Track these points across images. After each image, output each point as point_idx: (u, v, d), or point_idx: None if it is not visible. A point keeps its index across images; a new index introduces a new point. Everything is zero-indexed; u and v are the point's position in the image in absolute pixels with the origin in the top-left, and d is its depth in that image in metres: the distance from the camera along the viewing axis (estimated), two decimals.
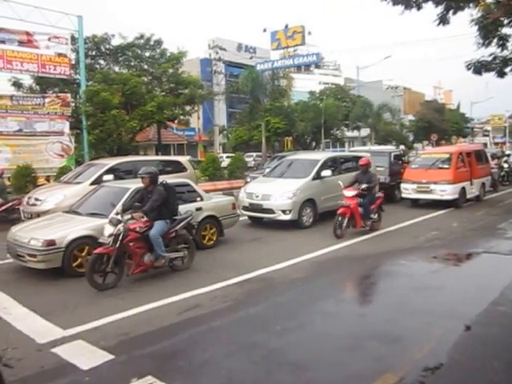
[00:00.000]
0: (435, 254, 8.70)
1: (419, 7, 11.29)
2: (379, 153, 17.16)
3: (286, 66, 36.08)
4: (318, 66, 68.50)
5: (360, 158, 14.27)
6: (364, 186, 10.33)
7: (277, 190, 11.36)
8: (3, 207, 12.55)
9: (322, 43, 67.34)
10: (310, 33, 37.58)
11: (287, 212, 11.06)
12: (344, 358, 4.61)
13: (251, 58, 43.38)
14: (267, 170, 14.36)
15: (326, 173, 12.05)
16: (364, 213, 10.33)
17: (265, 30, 37.96)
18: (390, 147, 26.62)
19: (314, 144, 39.21)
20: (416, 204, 15.06)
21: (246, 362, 4.57)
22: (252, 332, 5.30)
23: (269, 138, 33.16)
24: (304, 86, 45.02)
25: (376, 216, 10.83)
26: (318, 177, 11.95)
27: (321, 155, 13.61)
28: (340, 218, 10.08)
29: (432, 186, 14.25)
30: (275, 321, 5.57)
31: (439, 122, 52.97)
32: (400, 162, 17.15)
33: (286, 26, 37.01)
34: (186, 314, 5.79)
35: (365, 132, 47.88)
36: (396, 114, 49.25)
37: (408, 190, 14.80)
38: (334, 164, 12.90)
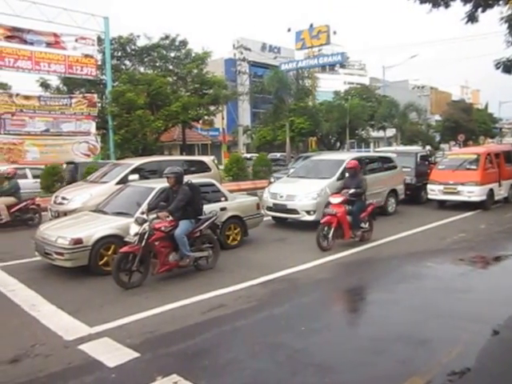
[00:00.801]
0: (462, 256, 8.53)
1: (447, 5, 11.12)
2: (405, 153, 16.95)
3: (310, 66, 35.94)
4: (342, 66, 67.95)
5: (387, 158, 14.15)
6: (352, 191, 9.28)
7: (301, 191, 11.31)
8: (17, 207, 12.81)
9: (348, 43, 66.86)
10: (335, 32, 37.35)
11: (311, 212, 10.99)
12: (369, 360, 4.55)
13: (275, 57, 43.41)
14: (291, 171, 14.31)
15: None
16: (353, 222, 9.31)
17: (289, 30, 37.87)
18: (416, 147, 26.25)
19: (338, 144, 38.94)
20: (442, 205, 14.82)
21: (270, 362, 4.55)
22: (276, 332, 5.27)
23: (293, 139, 33.05)
24: (329, 86, 44.75)
25: (367, 225, 9.75)
26: (343, 177, 11.81)
27: (346, 155, 13.49)
28: (325, 228, 9.01)
29: (459, 188, 13.99)
30: (300, 321, 5.54)
31: (466, 122, 51.98)
32: (426, 162, 16.89)
33: (311, 26, 36.84)
34: (210, 314, 5.80)
35: (390, 132, 47.31)
36: (422, 114, 48.52)
37: (434, 191, 14.56)
38: (359, 164, 12.74)
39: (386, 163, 13.89)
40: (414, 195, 15.33)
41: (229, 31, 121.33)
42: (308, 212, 11.01)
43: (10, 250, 9.72)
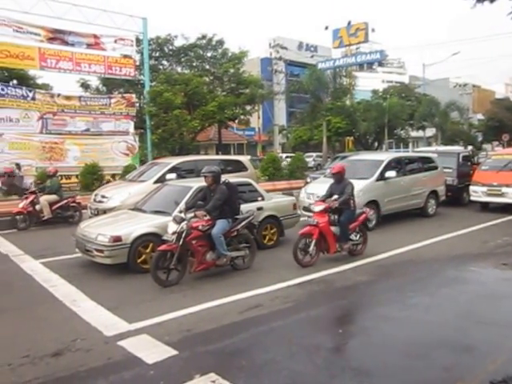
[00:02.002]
0: (506, 260, 8.22)
1: (492, 0, 10.73)
2: (447, 153, 16.49)
3: (348, 65, 35.48)
4: (381, 64, 66.54)
5: (427, 158, 13.81)
6: (335, 197, 8.22)
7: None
8: (58, 204, 13.15)
9: (386, 40, 65.41)
10: (373, 30, 36.75)
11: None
12: (410, 366, 4.42)
13: (312, 56, 43.08)
14: (328, 171, 14.14)
15: (391, 174, 11.69)
16: (341, 233, 8.21)
17: (327, 28, 37.52)
18: (457, 148, 25.55)
19: (376, 144, 38.27)
20: (486, 208, 14.33)
21: (308, 364, 4.48)
22: (314, 334, 5.21)
23: (329, 138, 32.70)
24: (366, 85, 44.11)
25: (358, 237, 8.62)
26: (381, 178, 11.63)
27: (385, 155, 13.25)
28: (306, 241, 7.94)
29: (504, 189, 13.50)
30: (337, 324, 5.47)
31: (511, 122, 50.17)
32: (469, 163, 16.39)
33: (349, 23, 36.38)
34: (247, 314, 5.78)
35: (430, 132, 46.16)
36: (464, 113, 47.08)
37: (477, 193, 14.10)
38: (398, 165, 12.51)
39: (426, 163, 13.56)
40: (456, 197, 14.89)
41: (265, 30, 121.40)
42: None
43: (52, 247, 10.00)
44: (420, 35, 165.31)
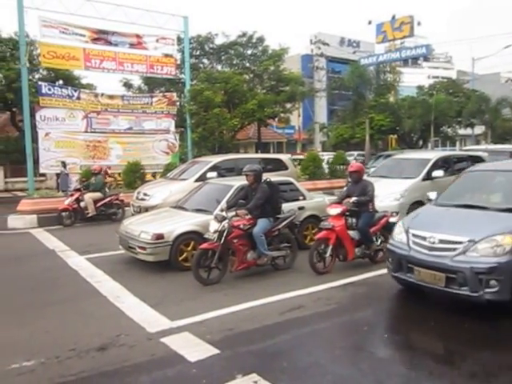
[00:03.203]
0: None
1: None
2: (499, 152, 15.73)
3: (392, 60, 34.56)
4: (426, 59, 64.83)
5: (477, 157, 13.26)
6: (354, 199, 7.63)
7: (383, 191, 10.81)
8: (102, 202, 13.44)
9: (433, 34, 63.29)
10: (419, 23, 35.57)
11: (394, 214, 10.55)
12: None
13: (354, 52, 42.30)
14: (372, 170, 13.88)
15: (438, 173, 11.23)
16: (363, 238, 7.74)
17: (370, 23, 36.68)
18: (509, 146, 24.49)
19: (421, 143, 37.25)
20: None
21: (352, 368, 4.39)
22: (358, 338, 5.09)
23: (372, 136, 32.09)
24: (411, 81, 42.91)
25: (380, 243, 8.02)
26: (428, 177, 11.24)
27: (431, 154, 12.83)
28: (322, 246, 7.46)
29: None
30: (382, 328, 5.32)
31: None
32: None
33: (393, 17, 35.44)
34: (288, 314, 5.71)
35: (479, 130, 44.45)
36: None
37: None
38: (446, 164, 12.02)
39: (476, 163, 13.00)
40: None
41: (306, 26, 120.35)
42: (390, 213, 10.54)
43: (96, 243, 10.23)
44: (469, 28, 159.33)
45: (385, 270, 7.51)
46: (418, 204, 10.84)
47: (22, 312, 6.10)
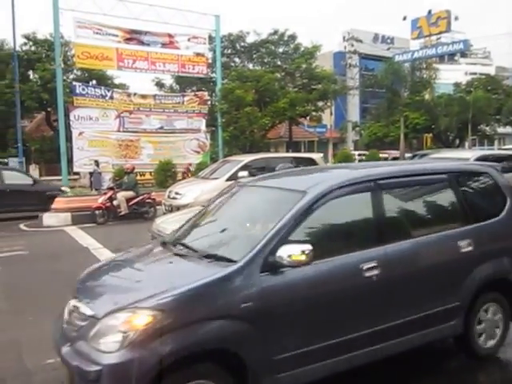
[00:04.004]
0: None
1: None
2: None
3: (427, 57, 33.75)
4: (464, 55, 63.06)
5: None
6: None
7: None
8: (135, 200, 13.50)
9: (471, 29, 61.34)
10: (456, 18, 34.66)
11: None
12: None
13: (388, 49, 41.46)
14: None
15: None
16: None
17: (405, 18, 35.91)
18: None
19: (457, 142, 36.21)
20: None
21: None
22: None
23: (406, 135, 31.42)
24: (448, 78, 41.75)
25: None
26: None
27: (470, 153, 12.37)
28: None
29: None
30: None
31: None
32: None
33: (429, 12, 34.64)
34: None
35: None
36: None
37: None
38: None
39: None
40: None
41: (338, 23, 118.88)
42: None
43: (128, 241, 10.17)
44: (509, 22, 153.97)
45: None
46: None
47: (57, 308, 6.08)
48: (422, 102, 32.34)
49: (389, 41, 50.51)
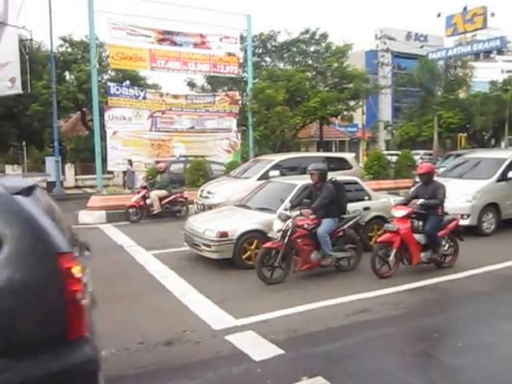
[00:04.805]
0: None
1: None
2: None
3: (462, 54, 32.93)
4: (500, 52, 61.25)
5: None
6: (421, 201, 7.25)
7: (454, 192, 10.25)
8: (168, 199, 13.75)
9: (508, 25, 59.32)
10: (493, 14, 33.53)
11: (465, 216, 10.02)
12: None
13: (422, 46, 40.69)
14: (442, 170, 13.31)
15: None
16: (430, 242, 7.31)
17: (439, 15, 35.10)
18: None
19: (493, 141, 35.28)
20: None
21: (423, 377, 4.20)
22: (429, 345, 4.88)
23: (440, 135, 30.82)
24: (483, 76, 40.72)
25: (447, 247, 7.65)
26: (503, 178, 10.62)
27: (507, 153, 12.12)
28: (384, 250, 7.20)
29: None
30: (454, 336, 5.07)
31: None
32: None
33: (465, 9, 33.73)
34: (354, 317, 5.58)
35: None
36: None
37: None
38: None
39: None
40: None
41: (370, 21, 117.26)
42: (462, 216, 9.84)
43: (161, 239, 10.48)
44: None
45: (456, 275, 7.23)
46: (492, 206, 10.33)
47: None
48: (456, 101, 31.59)
49: (422, 38, 49.70)
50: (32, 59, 24.60)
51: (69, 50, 31.31)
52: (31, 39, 25.65)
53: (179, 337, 5.10)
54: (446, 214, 7.68)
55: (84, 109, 31.63)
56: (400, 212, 7.25)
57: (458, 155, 15.35)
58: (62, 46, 31.12)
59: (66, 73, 31.11)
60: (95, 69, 20.41)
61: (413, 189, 8.24)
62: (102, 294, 6.65)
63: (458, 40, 35.51)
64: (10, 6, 22.01)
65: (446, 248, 7.64)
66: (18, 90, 22.54)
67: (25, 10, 21.68)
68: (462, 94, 33.54)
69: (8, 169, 27.37)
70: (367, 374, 4.27)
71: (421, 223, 7.38)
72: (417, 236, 7.25)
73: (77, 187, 28.25)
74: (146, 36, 20.98)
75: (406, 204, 7.49)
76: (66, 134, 35.70)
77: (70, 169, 29.01)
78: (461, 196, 10.22)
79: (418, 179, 10.05)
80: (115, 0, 19.63)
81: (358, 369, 4.36)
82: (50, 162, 25.21)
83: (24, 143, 25.93)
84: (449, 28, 34.63)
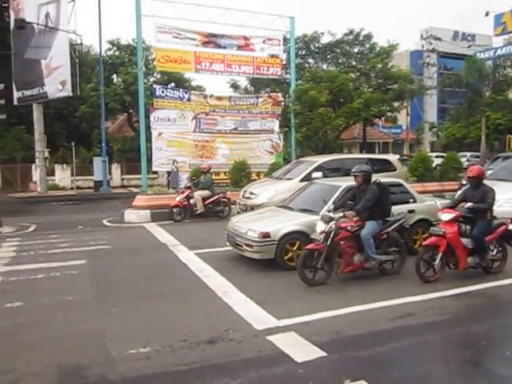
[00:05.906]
0: None
1: None
2: None
3: (511, 54, 31.96)
4: None
5: None
6: (469, 204, 7.06)
7: (502, 196, 9.90)
8: (211, 199, 13.91)
9: None
10: None
11: None
12: None
13: (469, 46, 39.58)
14: (489, 172, 12.88)
15: None
16: (478, 247, 7.09)
17: (487, 14, 34.02)
18: None
19: None
20: None
21: None
22: (475, 353, 4.75)
23: (487, 136, 29.86)
24: None
25: (495, 252, 7.35)
26: None
27: None
28: (430, 254, 6.98)
29: None
30: (503, 344, 4.91)
31: None
32: None
33: None
34: (397, 322, 5.49)
35: None
36: None
37: None
38: None
39: None
40: None
41: (415, 21, 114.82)
42: (511, 220, 9.66)
43: (204, 239, 10.64)
44: None
45: (504, 281, 6.99)
46: None
47: (138, 301, 6.51)
48: (505, 102, 30.56)
49: (469, 38, 48.31)
50: (81, 63, 25.52)
51: (116, 53, 32.28)
52: (81, 43, 26.65)
53: (222, 335, 5.15)
54: (495, 218, 7.45)
55: (130, 110, 32.51)
56: (447, 215, 7.06)
57: (507, 157, 14.80)
58: (110, 49, 32.13)
59: (114, 75, 32.09)
60: (142, 71, 20.95)
61: (460, 191, 8.06)
62: (146, 292, 6.90)
63: (507, 39, 34.29)
64: (61, 12, 22.94)
65: (494, 253, 7.38)
66: (68, 92, 23.45)
67: (75, 15, 22.34)
68: (511, 95, 32.35)
69: (57, 168, 28.46)
70: (411, 379, 4.20)
71: (468, 227, 7.18)
72: (464, 240, 7.05)
73: (123, 186, 29.03)
74: (191, 39, 21.37)
75: (453, 207, 7.32)
76: (113, 135, 36.79)
77: (116, 169, 29.85)
78: (508, 199, 9.85)
79: (464, 181, 9.77)
80: (162, 4, 20.04)
81: (402, 374, 4.29)
82: (98, 162, 26.06)
83: (73, 143, 26.87)
84: (498, 27, 33.57)
